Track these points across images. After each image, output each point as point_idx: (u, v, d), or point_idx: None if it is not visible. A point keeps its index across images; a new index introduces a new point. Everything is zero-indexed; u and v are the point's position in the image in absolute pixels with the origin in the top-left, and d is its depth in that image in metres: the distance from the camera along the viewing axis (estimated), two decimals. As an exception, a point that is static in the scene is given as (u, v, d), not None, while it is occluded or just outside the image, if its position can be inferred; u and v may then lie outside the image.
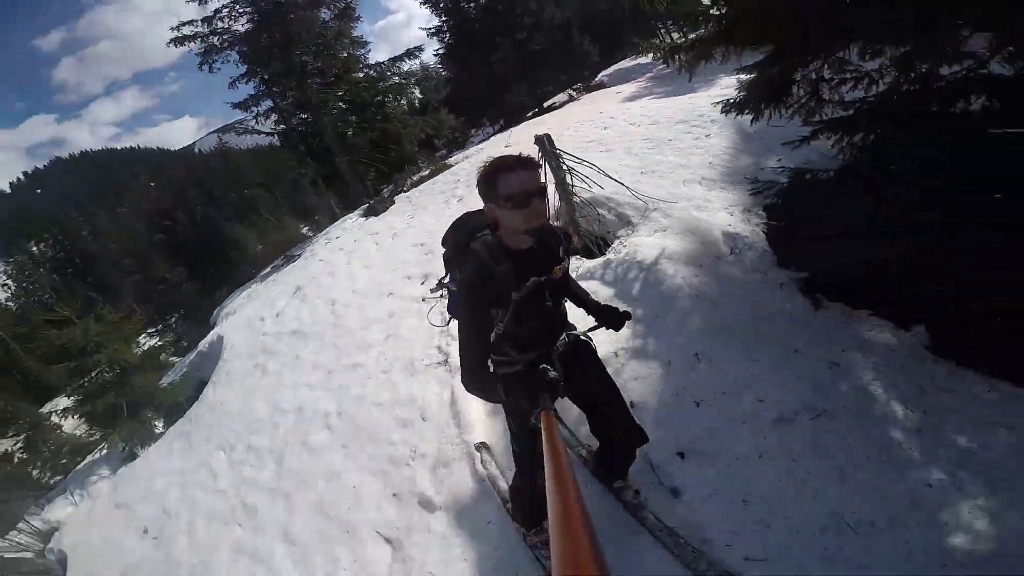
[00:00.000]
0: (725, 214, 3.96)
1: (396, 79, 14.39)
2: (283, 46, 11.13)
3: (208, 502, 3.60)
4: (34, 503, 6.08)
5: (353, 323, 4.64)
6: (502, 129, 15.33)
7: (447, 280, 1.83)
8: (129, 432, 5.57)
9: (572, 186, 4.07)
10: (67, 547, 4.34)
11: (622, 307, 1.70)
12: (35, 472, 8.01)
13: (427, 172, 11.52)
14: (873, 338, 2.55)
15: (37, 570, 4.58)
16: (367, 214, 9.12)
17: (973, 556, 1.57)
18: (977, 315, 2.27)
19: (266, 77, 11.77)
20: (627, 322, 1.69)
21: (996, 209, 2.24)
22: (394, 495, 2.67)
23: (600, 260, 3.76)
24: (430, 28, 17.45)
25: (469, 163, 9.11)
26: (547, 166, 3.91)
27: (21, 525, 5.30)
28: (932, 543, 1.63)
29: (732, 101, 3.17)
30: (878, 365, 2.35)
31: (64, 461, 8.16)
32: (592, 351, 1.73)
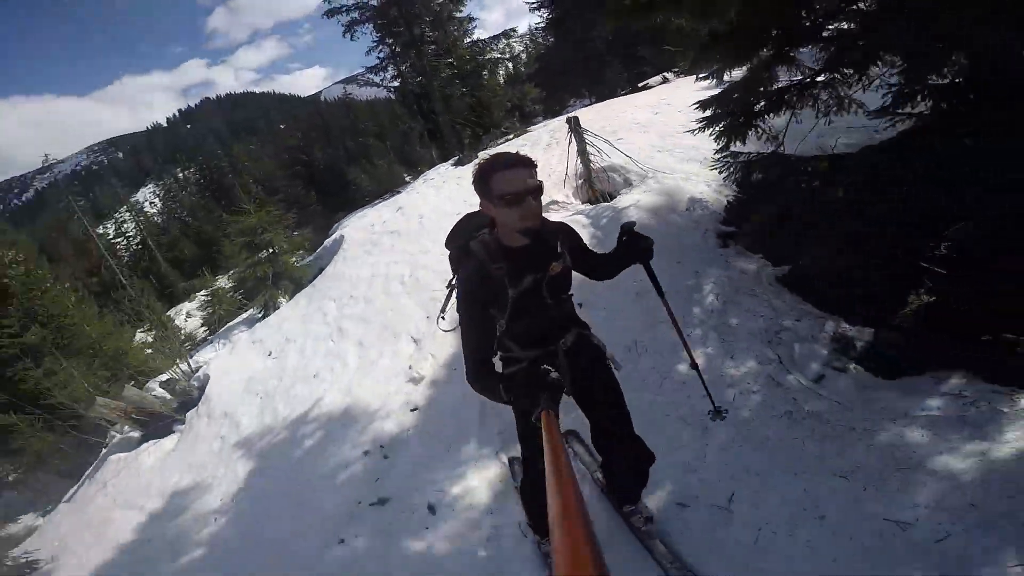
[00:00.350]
0: (704, 186, 5.28)
1: (494, 54, 16.32)
2: (407, 20, 13.42)
3: (316, 330, 5.79)
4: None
5: (431, 228, 6.79)
6: (591, 104, 16.52)
7: (454, 280, 1.78)
8: (271, 297, 8.13)
9: (591, 156, 5.63)
10: (211, 371, 6.18)
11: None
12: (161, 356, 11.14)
13: (511, 136, 13.48)
14: (745, 266, 3.93)
15: (185, 388, 6.47)
16: (456, 164, 11.32)
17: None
18: (820, 261, 3.51)
19: (391, 43, 14.20)
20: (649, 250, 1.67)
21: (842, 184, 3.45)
22: (427, 317, 4.59)
23: (593, 206, 5.34)
24: (532, 2, 18.24)
25: (546, 130, 10.82)
26: (574, 141, 5.50)
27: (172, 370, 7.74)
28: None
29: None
30: (732, 278, 3.75)
31: (187, 348, 11.20)
32: (599, 352, 1.71)
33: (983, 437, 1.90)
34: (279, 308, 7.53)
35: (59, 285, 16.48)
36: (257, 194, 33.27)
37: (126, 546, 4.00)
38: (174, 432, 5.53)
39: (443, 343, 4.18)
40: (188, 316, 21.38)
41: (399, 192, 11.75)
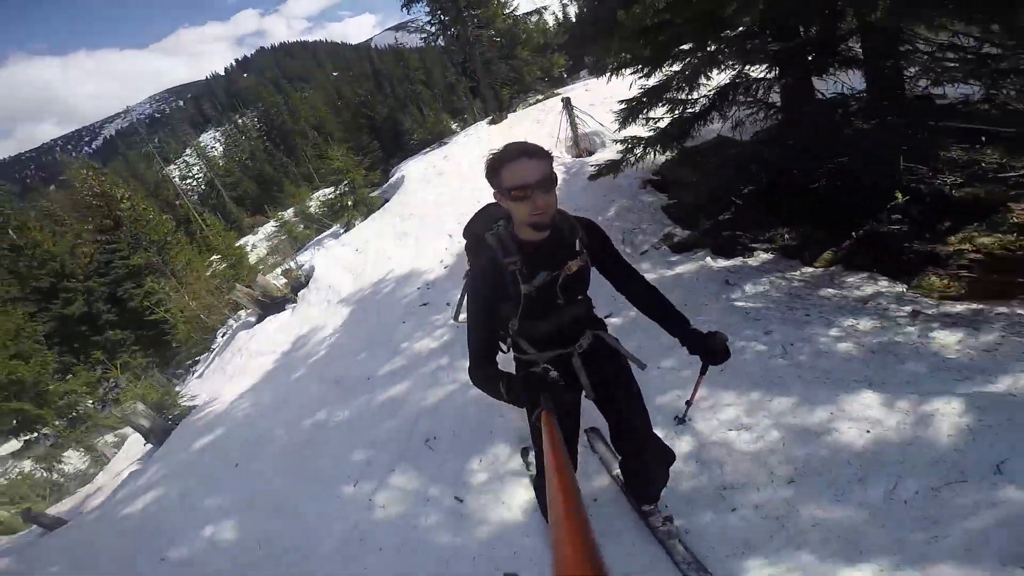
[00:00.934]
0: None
1: (529, 26, 18.68)
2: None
3: (387, 233, 8.57)
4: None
5: (467, 172, 9.51)
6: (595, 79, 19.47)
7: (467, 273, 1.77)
8: (350, 217, 11.07)
9: (579, 125, 7.98)
10: (315, 263, 9.07)
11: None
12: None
13: (540, 97, 15.90)
14: (646, 199, 6.31)
15: (297, 276, 8.98)
16: (490, 123, 13.78)
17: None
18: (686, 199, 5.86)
19: (440, 16, 16.57)
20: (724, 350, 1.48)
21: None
22: (457, 223, 7.27)
23: (576, 159, 7.78)
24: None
25: (573, 93, 13.15)
26: (569, 115, 7.85)
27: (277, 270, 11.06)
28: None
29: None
30: (632, 205, 6.16)
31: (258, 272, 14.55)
32: (614, 352, 1.64)
33: (706, 270, 4.40)
34: (356, 225, 10.49)
35: (159, 215, 20.47)
36: (315, 140, 36.86)
37: (265, 375, 6.02)
38: (286, 309, 8.03)
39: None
40: (253, 247, 25.26)
41: (445, 143, 14.45)
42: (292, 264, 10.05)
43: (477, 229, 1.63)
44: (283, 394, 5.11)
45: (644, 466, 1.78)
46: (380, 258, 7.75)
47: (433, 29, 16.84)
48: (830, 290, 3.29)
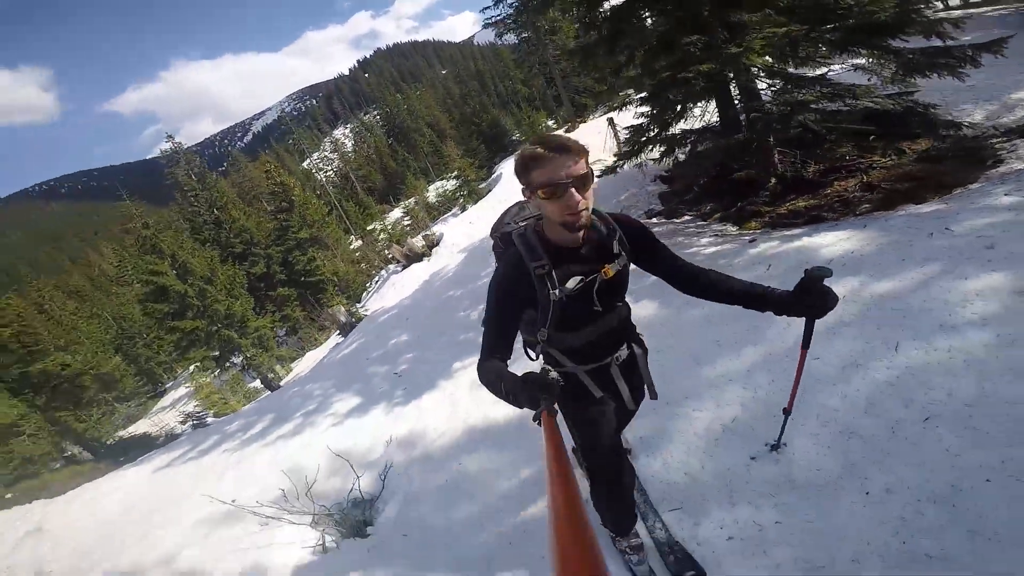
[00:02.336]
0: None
1: None
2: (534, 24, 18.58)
3: (489, 211, 11.69)
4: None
5: None
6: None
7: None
8: (464, 202, 14.47)
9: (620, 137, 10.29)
10: (444, 231, 13.09)
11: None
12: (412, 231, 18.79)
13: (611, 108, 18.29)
14: (652, 188, 8.49)
15: (432, 238, 13.50)
16: (566, 130, 16.35)
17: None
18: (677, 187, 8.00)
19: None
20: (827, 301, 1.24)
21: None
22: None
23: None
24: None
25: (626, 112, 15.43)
26: (612, 130, 10.19)
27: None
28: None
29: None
30: (639, 191, 8.41)
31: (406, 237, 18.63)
32: (645, 369, 1.55)
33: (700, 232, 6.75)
34: (468, 209, 13.83)
35: (309, 197, 26.04)
36: (431, 137, 41.64)
37: (415, 290, 9.92)
38: (423, 260, 11.99)
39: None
40: (382, 230, 30.32)
41: None
42: (429, 232, 13.74)
43: (505, 228, 1.48)
44: (428, 293, 8.43)
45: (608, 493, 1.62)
46: (485, 227, 10.88)
47: (517, 41, 19.81)
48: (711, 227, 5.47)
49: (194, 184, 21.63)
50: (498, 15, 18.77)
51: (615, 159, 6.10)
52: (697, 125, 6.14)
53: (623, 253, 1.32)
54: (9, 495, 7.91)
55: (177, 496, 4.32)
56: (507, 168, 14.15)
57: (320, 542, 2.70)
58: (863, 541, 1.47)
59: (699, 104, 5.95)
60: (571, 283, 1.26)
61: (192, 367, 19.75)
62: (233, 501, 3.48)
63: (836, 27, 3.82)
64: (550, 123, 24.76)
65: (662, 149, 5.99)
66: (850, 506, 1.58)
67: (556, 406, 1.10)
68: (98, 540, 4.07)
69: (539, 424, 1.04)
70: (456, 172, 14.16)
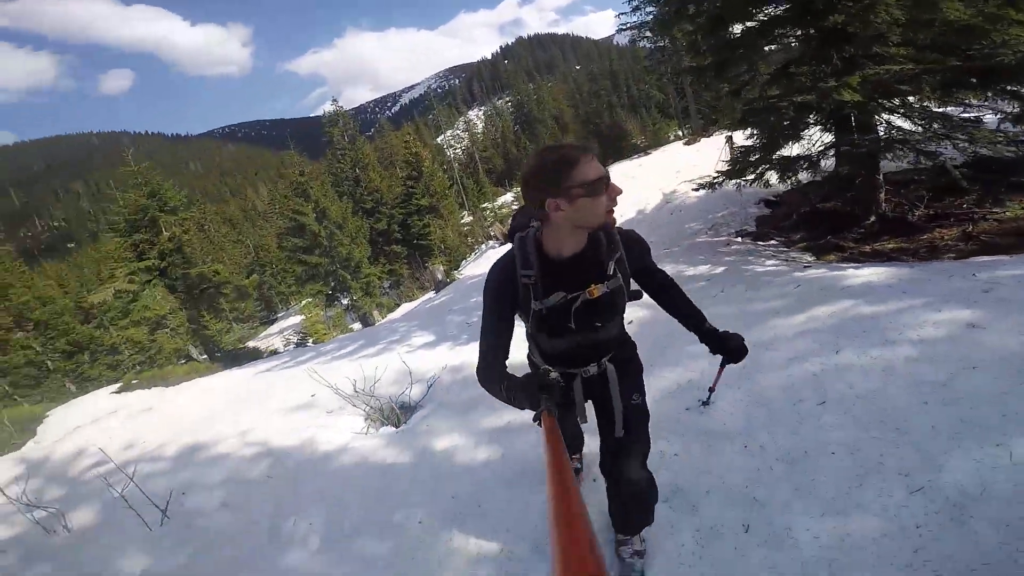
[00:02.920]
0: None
1: None
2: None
3: None
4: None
5: (651, 179, 12.34)
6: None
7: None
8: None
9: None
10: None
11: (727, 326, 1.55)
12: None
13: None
14: (753, 211, 8.19)
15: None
16: (685, 143, 16.21)
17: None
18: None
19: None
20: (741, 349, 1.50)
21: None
22: (629, 206, 10.39)
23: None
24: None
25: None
26: (729, 148, 10.00)
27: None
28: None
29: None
30: (740, 212, 8.23)
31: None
32: (613, 379, 1.50)
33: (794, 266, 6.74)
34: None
35: (435, 170, 28.31)
36: (553, 129, 42.62)
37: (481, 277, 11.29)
38: None
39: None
40: (492, 210, 31.97)
41: (649, 154, 17.38)
42: (529, 218, 14.80)
43: (516, 225, 1.49)
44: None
45: (618, 495, 1.61)
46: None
47: (652, 47, 19.56)
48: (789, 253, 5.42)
49: (345, 144, 24.84)
50: (635, 22, 18.77)
51: (715, 175, 6.28)
52: (815, 151, 6.10)
53: (619, 274, 1.31)
54: (135, 380, 9.64)
55: (270, 392, 5.19)
56: (613, 173, 14.88)
57: (365, 429, 3.49)
58: (720, 479, 1.92)
59: (809, 131, 5.93)
60: (552, 299, 1.26)
61: (305, 301, 22.92)
62: (312, 396, 4.32)
63: (952, 67, 3.79)
64: (679, 132, 24.18)
65: (773, 173, 5.99)
66: (730, 454, 2.02)
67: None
68: (195, 422, 4.77)
69: (539, 424, 1.07)
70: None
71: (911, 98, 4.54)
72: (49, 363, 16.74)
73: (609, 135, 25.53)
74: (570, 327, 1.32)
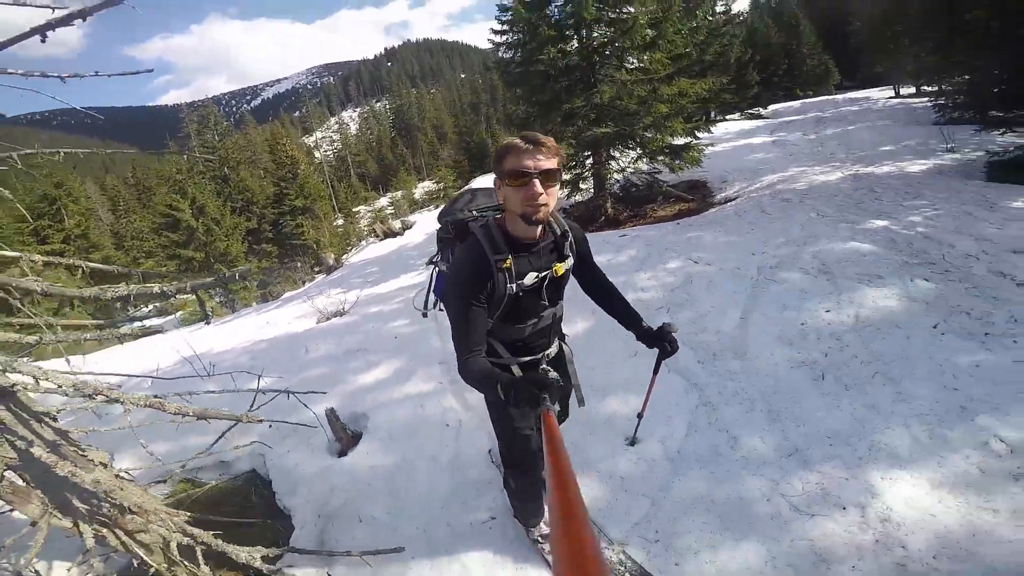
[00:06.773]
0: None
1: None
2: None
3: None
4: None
5: None
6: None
7: (438, 259, 1.74)
8: (441, 202, 17.65)
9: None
10: (415, 220, 16.26)
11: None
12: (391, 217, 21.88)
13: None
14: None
15: (406, 222, 16.73)
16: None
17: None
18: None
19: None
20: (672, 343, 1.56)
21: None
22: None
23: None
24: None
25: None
26: None
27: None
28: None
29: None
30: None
31: (388, 218, 21.76)
32: (569, 360, 1.67)
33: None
34: (441, 206, 16.99)
35: (310, 172, 28.90)
36: (431, 138, 44.53)
37: (384, 254, 13.13)
38: (397, 237, 15.01)
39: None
40: (364, 214, 32.93)
41: None
42: (407, 218, 16.85)
43: (458, 217, 1.54)
44: (395, 253, 11.58)
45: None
46: (447, 219, 14.09)
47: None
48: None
49: (215, 143, 24.27)
50: (501, 41, 21.61)
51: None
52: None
53: (570, 255, 1.44)
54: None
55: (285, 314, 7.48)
56: (476, 184, 17.36)
57: (319, 322, 5.96)
58: (638, 493, 2.15)
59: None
60: (528, 279, 1.35)
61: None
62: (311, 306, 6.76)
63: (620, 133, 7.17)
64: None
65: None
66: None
67: (504, 400, 1.18)
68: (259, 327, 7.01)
69: (539, 424, 1.13)
70: (438, 178, 17.37)
71: (614, 151, 8.02)
72: None
73: (476, 151, 28.13)
74: (543, 303, 1.45)
